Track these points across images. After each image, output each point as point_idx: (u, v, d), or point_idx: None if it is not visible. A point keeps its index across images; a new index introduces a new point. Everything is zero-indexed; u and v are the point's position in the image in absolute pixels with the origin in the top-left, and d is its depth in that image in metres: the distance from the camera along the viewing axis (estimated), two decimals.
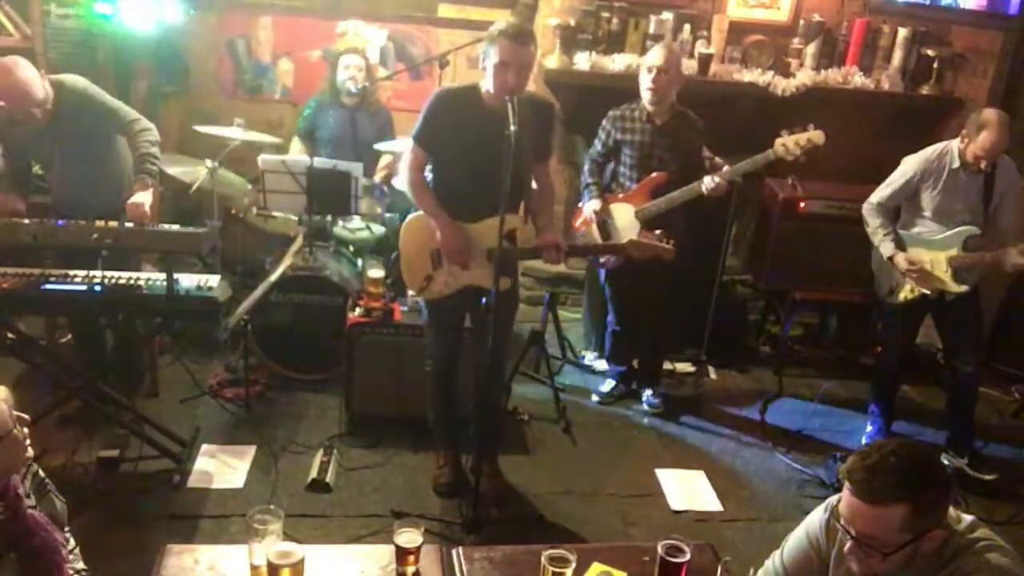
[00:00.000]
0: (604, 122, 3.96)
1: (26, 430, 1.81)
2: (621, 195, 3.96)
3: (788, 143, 3.70)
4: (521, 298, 3.73)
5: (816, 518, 1.96)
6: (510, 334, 3.52)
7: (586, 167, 4.07)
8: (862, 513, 1.67)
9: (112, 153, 3.67)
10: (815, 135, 3.69)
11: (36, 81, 3.34)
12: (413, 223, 3.27)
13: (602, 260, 4.08)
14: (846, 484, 1.70)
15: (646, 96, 3.79)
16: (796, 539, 2.01)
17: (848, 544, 1.71)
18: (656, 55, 3.76)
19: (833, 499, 1.91)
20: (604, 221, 3.94)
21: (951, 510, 1.74)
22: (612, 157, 3.99)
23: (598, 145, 4.00)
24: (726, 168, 3.76)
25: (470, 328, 3.45)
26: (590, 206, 3.96)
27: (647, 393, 4.33)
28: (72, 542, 2.05)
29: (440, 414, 3.56)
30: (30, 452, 1.87)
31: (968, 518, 1.78)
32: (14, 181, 3.67)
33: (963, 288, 3.75)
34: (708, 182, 3.73)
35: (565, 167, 5.15)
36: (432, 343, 3.44)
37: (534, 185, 3.29)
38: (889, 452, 1.67)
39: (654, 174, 3.86)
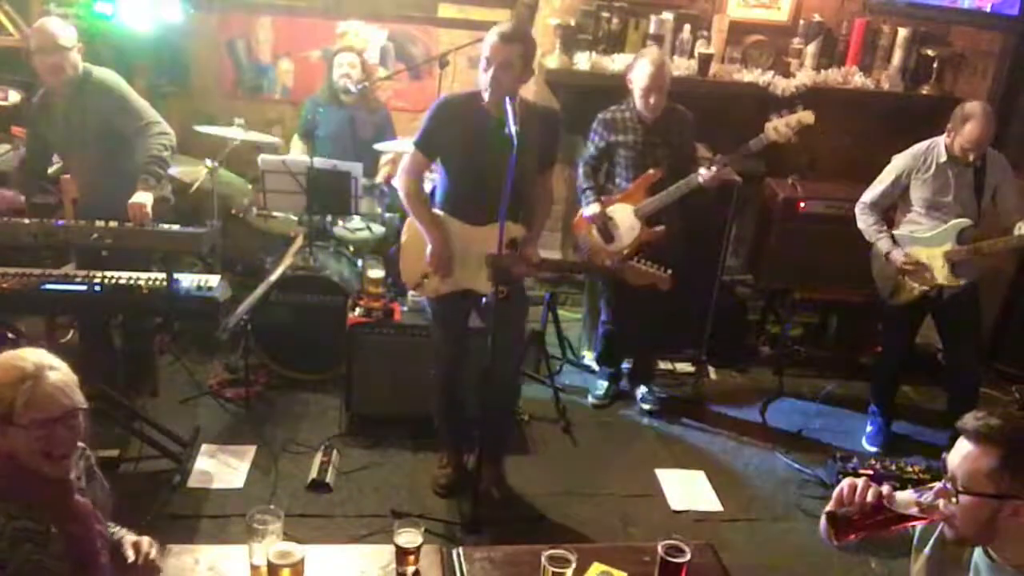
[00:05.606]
0: (595, 125, 3.95)
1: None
2: (618, 196, 3.95)
3: (779, 125, 3.71)
4: None
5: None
6: (519, 338, 3.51)
7: (580, 171, 4.04)
8: (960, 448, 1.72)
9: (126, 152, 3.66)
10: (805, 115, 3.69)
11: (65, 32, 3.45)
12: (415, 222, 3.28)
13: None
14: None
15: (642, 110, 3.81)
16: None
17: (939, 486, 1.75)
18: (645, 73, 3.73)
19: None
20: (605, 224, 3.94)
21: None
22: (606, 159, 4.00)
23: (591, 148, 3.99)
24: (719, 156, 3.77)
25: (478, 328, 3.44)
26: (589, 210, 3.95)
27: (642, 391, 4.33)
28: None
29: (444, 416, 3.55)
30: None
31: None
32: (27, 178, 3.79)
33: (961, 282, 3.76)
34: (704, 173, 3.75)
35: (565, 167, 5.14)
36: (437, 343, 3.44)
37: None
38: (1011, 411, 1.72)
39: (649, 171, 3.87)
